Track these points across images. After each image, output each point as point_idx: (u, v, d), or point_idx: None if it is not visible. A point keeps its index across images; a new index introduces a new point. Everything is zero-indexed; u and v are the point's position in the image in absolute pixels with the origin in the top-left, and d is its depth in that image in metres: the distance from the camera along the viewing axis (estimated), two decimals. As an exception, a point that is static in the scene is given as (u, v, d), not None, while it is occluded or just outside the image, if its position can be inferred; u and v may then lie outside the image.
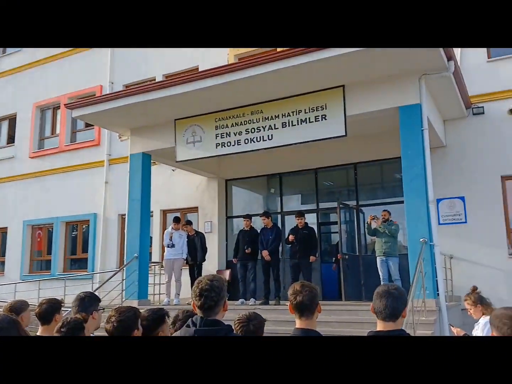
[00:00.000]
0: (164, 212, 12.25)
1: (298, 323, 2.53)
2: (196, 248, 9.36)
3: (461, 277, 8.70)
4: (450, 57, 7.03)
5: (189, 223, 9.62)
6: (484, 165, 8.86)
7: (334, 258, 10.98)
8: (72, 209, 13.18)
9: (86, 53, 13.97)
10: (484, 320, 4.15)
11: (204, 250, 9.44)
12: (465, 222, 8.92)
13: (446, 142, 9.21)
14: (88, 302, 3.15)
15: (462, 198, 8.98)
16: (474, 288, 4.41)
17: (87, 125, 13.56)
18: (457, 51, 8.93)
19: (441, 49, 6.65)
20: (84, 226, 13.42)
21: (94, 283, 11.27)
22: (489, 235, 8.70)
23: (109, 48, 13.50)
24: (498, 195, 8.73)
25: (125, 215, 12.40)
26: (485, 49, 9.19)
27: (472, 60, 9.10)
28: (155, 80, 12.74)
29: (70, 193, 13.35)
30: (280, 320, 6.45)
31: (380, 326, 2.31)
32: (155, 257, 11.61)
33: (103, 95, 10.12)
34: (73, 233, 13.78)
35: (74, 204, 13.18)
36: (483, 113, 8.95)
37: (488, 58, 9.17)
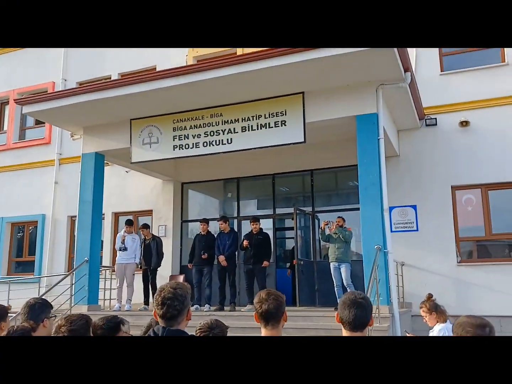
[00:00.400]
0: (116, 215, 11.91)
1: (264, 332, 2.47)
2: (151, 253, 9.12)
3: (411, 283, 8.94)
4: (407, 69, 7.21)
5: (146, 226, 9.38)
6: (436, 175, 9.14)
7: (288, 264, 11.04)
8: (19, 209, 12.61)
9: (37, 48, 13.44)
10: (438, 327, 4.23)
11: (160, 255, 9.22)
12: (417, 230, 9.16)
13: (400, 151, 9.45)
14: (39, 309, 2.98)
15: (414, 207, 9.22)
16: (430, 296, 4.50)
17: (37, 123, 13.04)
18: (411, 63, 9.19)
19: (398, 60, 6.81)
20: (31, 228, 12.85)
21: (41, 287, 10.79)
22: (439, 243, 8.97)
23: (63, 44, 13.07)
24: (448, 205, 9.03)
25: (75, 217, 12.00)
26: (438, 62, 9.52)
27: (425, 72, 9.39)
28: (110, 78, 12.42)
29: (17, 193, 12.77)
30: (237, 327, 6.36)
31: (347, 335, 2.27)
32: (106, 261, 11.27)
33: (57, 92, 9.74)
34: (19, 234, 13.17)
35: (21, 204, 12.61)
36: (435, 124, 9.24)
37: (441, 71, 9.50)
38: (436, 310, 4.33)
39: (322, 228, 8.64)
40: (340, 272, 8.17)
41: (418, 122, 9.16)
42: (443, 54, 9.59)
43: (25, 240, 12.91)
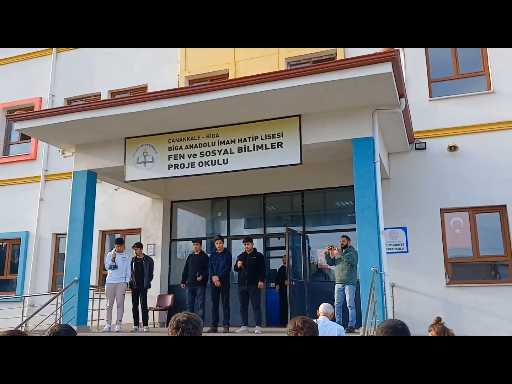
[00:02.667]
0: (103, 233, 11.74)
1: None
2: (143, 273, 9.01)
3: (401, 304, 9.04)
4: (402, 95, 7.40)
5: (139, 245, 9.28)
6: (425, 197, 9.34)
7: (275, 283, 10.99)
8: (2, 226, 12.31)
9: (26, 62, 13.33)
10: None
11: (151, 276, 9.12)
12: (407, 251, 9.30)
13: (390, 174, 9.63)
14: (64, 336, 2.92)
15: (404, 229, 9.38)
16: (438, 319, 4.54)
17: (23, 138, 12.84)
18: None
19: (395, 86, 6.99)
20: (14, 245, 12.53)
21: (24, 307, 10.49)
22: (429, 264, 9.13)
23: (51, 59, 12.98)
24: (438, 227, 9.21)
25: (60, 234, 11.85)
26: (427, 88, 9.79)
27: (414, 98, 9.60)
28: (99, 95, 12.39)
29: (0, 209, 12.49)
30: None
31: None
32: (93, 281, 11.04)
33: (50, 109, 9.65)
34: (2, 252, 12.83)
35: (4, 221, 12.32)
36: (425, 148, 9.48)
37: (430, 97, 9.77)
38: (445, 333, 4.38)
39: (326, 252, 8.64)
40: (344, 294, 8.22)
41: (408, 145, 9.38)
42: (432, 81, 9.89)
43: (7, 257, 12.57)
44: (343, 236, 8.60)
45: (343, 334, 5.76)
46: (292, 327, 2.55)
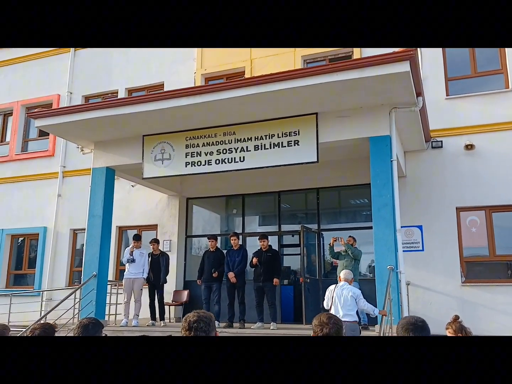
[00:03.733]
0: (120, 229, 11.89)
1: None
2: (160, 269, 9.13)
3: (417, 303, 9.04)
4: (419, 93, 7.40)
5: (156, 241, 9.40)
6: (441, 196, 9.33)
7: (287, 281, 11.07)
8: (20, 221, 12.53)
9: (44, 60, 13.51)
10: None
11: (167, 271, 9.24)
12: (422, 250, 9.30)
13: (406, 172, 9.62)
14: (93, 329, 3.03)
15: (420, 227, 9.38)
16: (456, 318, 4.55)
17: (41, 134, 13.03)
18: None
19: (412, 85, 6.99)
20: (32, 240, 12.75)
21: (43, 301, 10.68)
22: (444, 263, 9.12)
23: (69, 57, 13.14)
24: (453, 226, 9.20)
25: (78, 230, 12.04)
26: (444, 86, 9.76)
27: (432, 96, 9.57)
28: (117, 93, 12.52)
29: (19, 205, 12.70)
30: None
31: None
32: (110, 275, 11.17)
33: (70, 106, 9.79)
34: (19, 246, 13.06)
35: (23, 216, 12.53)
36: (441, 147, 9.45)
37: (447, 95, 9.73)
38: (462, 332, 4.40)
39: (331, 244, 8.75)
40: (348, 290, 8.26)
41: (424, 144, 9.37)
42: (449, 79, 9.85)
43: (25, 252, 12.79)
44: (350, 236, 8.68)
45: (360, 296, 6.40)
46: (317, 322, 2.61)
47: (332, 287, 6.69)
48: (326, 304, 6.63)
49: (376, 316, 6.71)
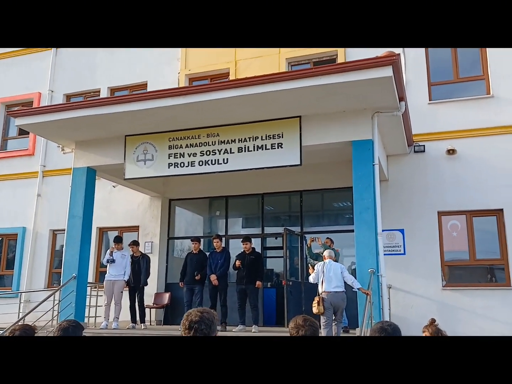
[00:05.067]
0: (101, 230, 11.74)
1: None
2: (140, 271, 9.02)
3: (397, 306, 9.09)
4: (402, 98, 7.45)
5: (135, 243, 9.28)
6: (423, 200, 9.40)
7: (269, 284, 11.06)
8: (-2, 221, 12.30)
9: (25, 57, 13.28)
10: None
11: (148, 273, 9.14)
12: (404, 253, 9.36)
13: (388, 176, 9.68)
14: (73, 331, 2.95)
15: (402, 231, 9.43)
16: (433, 321, 4.58)
17: (21, 133, 12.81)
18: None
19: (395, 89, 7.03)
20: (10, 241, 12.51)
21: (20, 302, 10.46)
22: (425, 267, 9.19)
23: (51, 55, 12.95)
24: (435, 229, 9.27)
25: (57, 231, 11.84)
26: (426, 91, 9.84)
27: (414, 101, 9.62)
28: (99, 92, 12.37)
29: (-3, 205, 12.46)
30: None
31: None
32: (90, 277, 11.01)
33: (51, 105, 9.65)
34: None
35: (1, 216, 12.31)
36: (423, 151, 9.53)
37: (429, 100, 9.82)
38: (438, 334, 4.42)
39: (309, 245, 8.75)
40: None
41: (407, 148, 9.42)
42: (432, 84, 9.94)
43: (3, 253, 12.55)
44: (327, 238, 8.73)
45: (345, 270, 7.33)
46: (293, 325, 2.60)
47: (321, 263, 7.46)
48: (313, 278, 7.40)
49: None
